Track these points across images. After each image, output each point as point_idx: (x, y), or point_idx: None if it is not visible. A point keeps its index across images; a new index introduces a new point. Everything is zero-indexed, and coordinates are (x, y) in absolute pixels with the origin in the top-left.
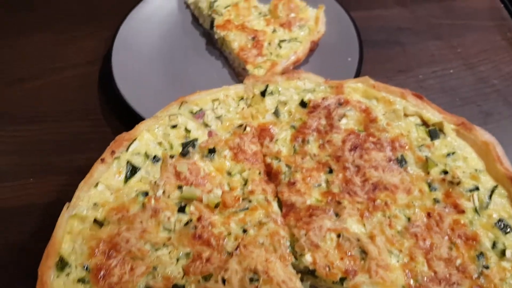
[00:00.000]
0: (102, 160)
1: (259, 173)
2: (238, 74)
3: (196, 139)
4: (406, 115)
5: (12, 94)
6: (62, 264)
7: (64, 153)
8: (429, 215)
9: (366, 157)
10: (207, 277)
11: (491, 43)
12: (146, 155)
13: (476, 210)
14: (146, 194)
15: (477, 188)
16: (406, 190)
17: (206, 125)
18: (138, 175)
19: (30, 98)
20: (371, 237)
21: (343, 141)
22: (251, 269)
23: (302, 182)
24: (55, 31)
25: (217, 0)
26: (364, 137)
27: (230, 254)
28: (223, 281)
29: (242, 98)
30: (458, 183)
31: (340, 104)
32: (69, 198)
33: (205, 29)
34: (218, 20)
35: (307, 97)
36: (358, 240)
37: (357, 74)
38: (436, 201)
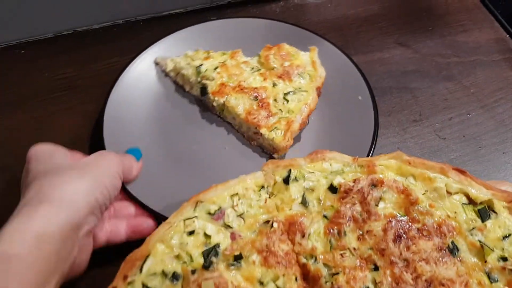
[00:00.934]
0: None
1: (296, 279)
2: (249, 138)
3: (218, 245)
4: (449, 193)
5: None
6: None
7: None
8: None
9: (414, 248)
10: None
11: (504, 79)
12: (164, 274)
13: None
14: None
15: None
16: (464, 284)
17: (227, 227)
18: None
19: (12, 193)
20: None
21: (384, 230)
22: None
23: (347, 286)
24: (28, 109)
25: (202, 64)
26: (407, 223)
27: None
28: None
29: (262, 187)
30: None
31: (374, 185)
32: None
33: (195, 97)
34: (212, 86)
35: (337, 180)
36: None
37: (376, 125)
38: None
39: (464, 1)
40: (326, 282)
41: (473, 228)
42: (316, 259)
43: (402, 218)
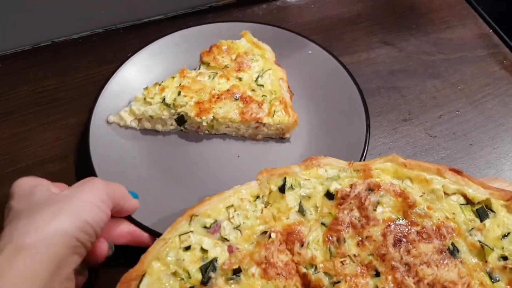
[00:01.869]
0: None
1: None
2: (252, 135)
3: (215, 259)
4: (447, 194)
5: None
6: None
7: None
8: None
9: (415, 252)
10: None
11: (491, 74)
12: None
13: None
14: None
15: None
16: (466, 285)
17: (224, 240)
18: None
19: None
20: None
21: (384, 235)
22: None
23: None
24: (9, 125)
25: (164, 96)
26: (406, 227)
27: None
28: None
29: (258, 197)
30: None
31: (371, 190)
32: None
33: (171, 131)
34: (191, 110)
35: (333, 186)
36: None
37: (368, 126)
38: None
39: None
40: None
41: (472, 228)
42: (316, 268)
43: (400, 221)
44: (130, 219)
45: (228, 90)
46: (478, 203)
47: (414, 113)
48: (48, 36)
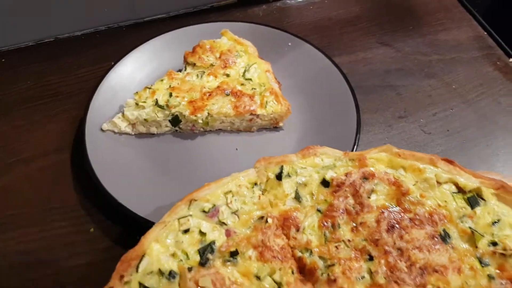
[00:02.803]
0: None
1: (292, 272)
2: (246, 128)
3: (213, 242)
4: (439, 183)
5: None
6: None
7: (46, 266)
8: None
9: (407, 237)
10: None
11: (484, 75)
12: (160, 273)
13: None
14: None
15: None
16: (456, 269)
17: (222, 224)
18: None
19: None
20: None
21: (378, 221)
22: None
23: (343, 277)
24: (11, 118)
25: (156, 99)
26: (399, 214)
27: None
28: None
29: (255, 184)
30: (511, 255)
31: (365, 178)
32: None
33: (165, 132)
34: (185, 109)
35: (329, 175)
36: None
37: (358, 122)
38: (490, 277)
39: (443, 1)
40: (322, 274)
41: (463, 215)
42: (311, 252)
43: (394, 209)
44: (137, 216)
45: (218, 87)
46: (469, 191)
47: (409, 111)
48: (52, 33)
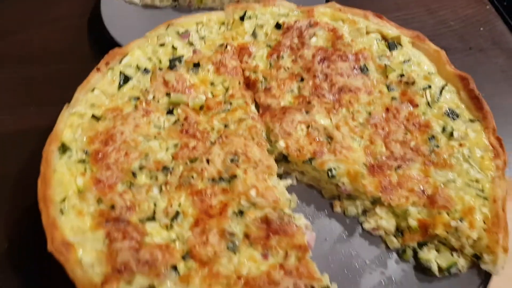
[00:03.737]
0: (98, 69)
1: (239, 83)
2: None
3: (182, 56)
4: (368, 33)
5: (11, 43)
6: (64, 149)
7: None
8: (387, 109)
9: (333, 67)
10: (193, 160)
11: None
12: (138, 67)
13: (428, 104)
14: (137, 98)
15: (429, 87)
16: (367, 91)
17: (191, 44)
18: (130, 84)
19: (25, 46)
20: (337, 127)
21: (313, 56)
22: (231, 152)
23: (277, 89)
24: None
25: None
26: (331, 51)
27: (213, 143)
28: (207, 161)
29: (223, 23)
30: (413, 83)
31: (310, 25)
32: None
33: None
34: None
35: (282, 20)
36: (325, 129)
37: None
38: (393, 98)
39: None
40: (261, 86)
41: (382, 55)
42: (257, 73)
43: (328, 48)
44: None
45: None
46: (391, 38)
47: (377, 11)
48: None
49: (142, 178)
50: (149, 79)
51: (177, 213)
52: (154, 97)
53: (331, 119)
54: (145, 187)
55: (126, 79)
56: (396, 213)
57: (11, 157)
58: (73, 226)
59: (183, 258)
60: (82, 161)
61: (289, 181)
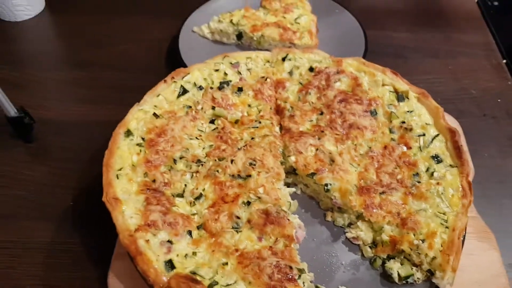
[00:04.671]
0: (165, 81)
1: (270, 108)
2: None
3: (230, 81)
4: (383, 85)
5: (106, 52)
6: (128, 133)
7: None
8: (385, 147)
9: (349, 107)
10: (221, 159)
11: (478, 65)
12: (195, 84)
13: (420, 148)
14: (189, 107)
15: (424, 134)
16: (372, 130)
17: (239, 73)
18: (186, 95)
19: (115, 56)
20: (340, 154)
21: (335, 96)
22: (251, 158)
23: (299, 117)
24: (141, 12)
25: (232, 19)
26: (350, 95)
27: (239, 149)
28: (231, 161)
29: (268, 61)
30: (411, 130)
31: (337, 72)
32: None
33: (232, 44)
34: (248, 27)
35: (315, 65)
36: (330, 153)
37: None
38: (392, 139)
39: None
40: (288, 113)
41: (390, 104)
42: (287, 102)
43: (348, 93)
44: None
45: (275, 22)
46: (401, 92)
47: (407, 73)
48: None
49: (180, 165)
50: (201, 94)
51: (200, 195)
52: (202, 108)
53: (337, 147)
54: (181, 172)
55: (184, 91)
56: (373, 228)
57: (89, 138)
58: (123, 188)
59: (198, 227)
60: (139, 145)
61: (293, 189)
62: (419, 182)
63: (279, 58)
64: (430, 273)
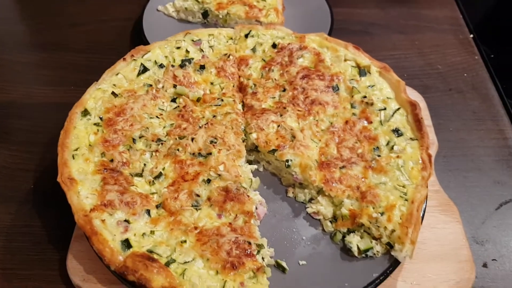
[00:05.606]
0: (124, 59)
1: (233, 85)
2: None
3: (192, 58)
4: (345, 60)
5: (71, 33)
6: (85, 113)
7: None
8: (346, 122)
9: (311, 83)
10: (181, 137)
11: (445, 40)
12: (155, 62)
13: (381, 122)
14: (150, 85)
15: (385, 108)
16: (334, 106)
17: (201, 50)
18: (147, 74)
19: (82, 36)
20: (301, 130)
21: (297, 72)
22: (213, 136)
23: (262, 94)
24: None
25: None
26: (313, 71)
27: (201, 127)
28: (192, 140)
29: (231, 38)
30: (372, 104)
31: (300, 48)
32: None
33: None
34: (213, 5)
35: (278, 41)
36: (291, 129)
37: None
38: (354, 114)
39: None
40: (250, 90)
41: (352, 79)
42: (249, 80)
43: (311, 69)
44: None
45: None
46: (362, 67)
47: (374, 50)
48: None
49: (140, 145)
50: (162, 73)
51: (160, 174)
52: (163, 87)
53: (299, 123)
54: (140, 151)
55: (144, 69)
56: (334, 203)
57: (51, 120)
58: (79, 168)
59: (157, 206)
60: (97, 124)
61: (255, 167)
62: (379, 155)
63: (242, 35)
64: (390, 246)
